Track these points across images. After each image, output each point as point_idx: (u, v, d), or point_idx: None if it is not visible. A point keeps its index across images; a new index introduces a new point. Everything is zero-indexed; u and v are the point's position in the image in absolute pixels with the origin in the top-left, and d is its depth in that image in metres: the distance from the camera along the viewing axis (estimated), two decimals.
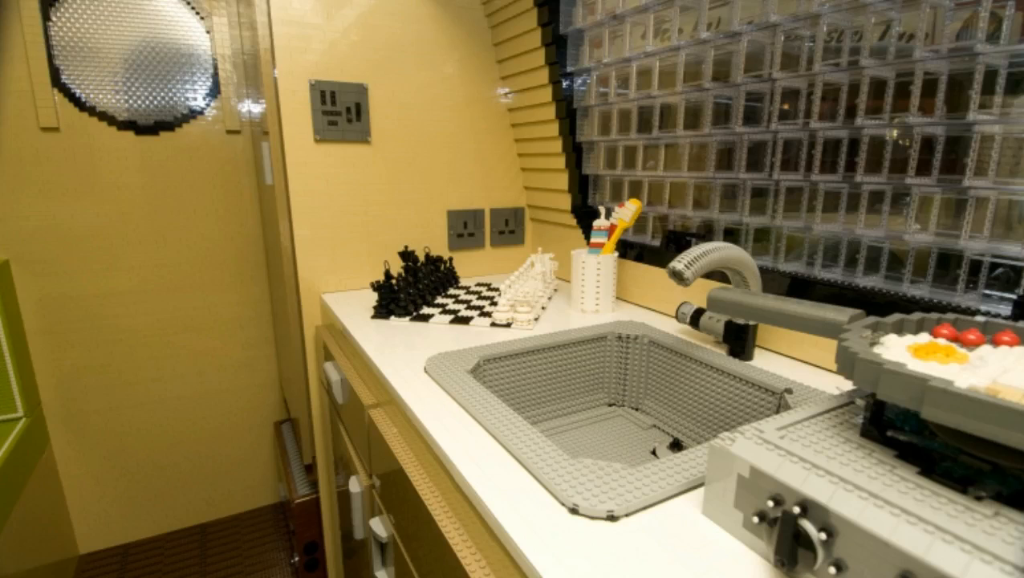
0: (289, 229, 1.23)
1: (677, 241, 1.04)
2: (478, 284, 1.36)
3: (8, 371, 1.39)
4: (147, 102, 1.55)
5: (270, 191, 1.32)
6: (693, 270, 0.72)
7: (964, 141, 0.65)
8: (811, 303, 0.59)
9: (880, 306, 0.72)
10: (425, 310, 1.11)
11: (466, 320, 1.04)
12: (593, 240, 1.09)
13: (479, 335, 0.96)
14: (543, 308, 1.12)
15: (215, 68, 1.61)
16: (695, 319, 0.91)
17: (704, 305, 0.96)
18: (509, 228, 1.50)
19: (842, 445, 0.42)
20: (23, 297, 1.50)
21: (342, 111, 1.22)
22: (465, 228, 1.43)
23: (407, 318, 1.06)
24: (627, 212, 1.05)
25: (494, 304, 1.15)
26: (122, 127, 1.53)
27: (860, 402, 0.50)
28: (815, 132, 0.80)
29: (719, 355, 0.83)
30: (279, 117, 1.17)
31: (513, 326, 1.00)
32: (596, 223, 1.09)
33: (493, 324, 1.02)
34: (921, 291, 0.70)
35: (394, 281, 1.12)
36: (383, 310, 1.08)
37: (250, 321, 1.80)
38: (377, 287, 1.09)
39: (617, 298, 1.19)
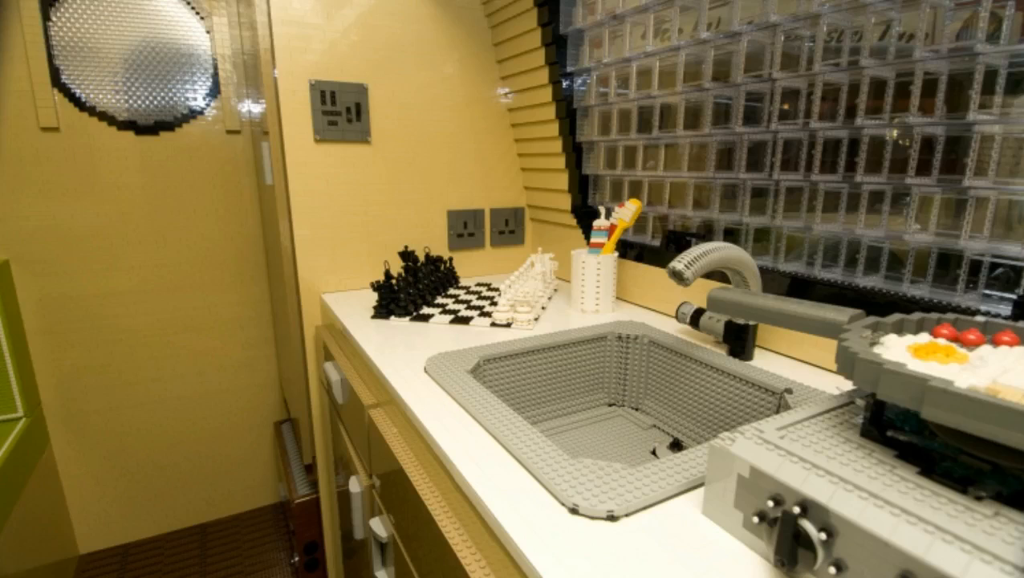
0: (289, 229, 1.23)
1: (677, 241, 1.04)
2: (478, 284, 1.36)
3: (8, 371, 1.39)
4: (147, 102, 1.55)
5: (270, 191, 1.32)
6: (693, 270, 0.72)
7: (964, 141, 0.65)
8: (811, 303, 0.59)
9: (880, 306, 0.72)
10: (425, 310, 1.11)
11: (466, 320, 1.04)
12: (593, 240, 1.09)
13: (479, 335, 0.96)
14: (543, 308, 1.12)
15: (215, 68, 1.61)
16: (695, 319, 0.91)
17: (704, 305, 0.96)
18: (509, 228, 1.50)
19: (842, 445, 0.42)
20: (23, 297, 1.50)
21: (342, 111, 1.22)
22: (465, 228, 1.43)
23: (407, 318, 1.06)
24: (627, 212, 1.05)
25: (494, 304, 1.15)
26: (122, 127, 1.53)
27: (860, 402, 0.50)
28: (815, 132, 0.80)
29: (719, 355, 0.83)
30: (279, 117, 1.17)
31: (513, 326, 1.00)
32: (596, 223, 1.09)
33: (493, 324, 1.02)
34: (921, 291, 0.70)
35: (394, 281, 1.12)
36: (383, 310, 1.08)
37: (250, 321, 1.80)
38: (377, 287, 1.09)
39: (617, 298, 1.19)
